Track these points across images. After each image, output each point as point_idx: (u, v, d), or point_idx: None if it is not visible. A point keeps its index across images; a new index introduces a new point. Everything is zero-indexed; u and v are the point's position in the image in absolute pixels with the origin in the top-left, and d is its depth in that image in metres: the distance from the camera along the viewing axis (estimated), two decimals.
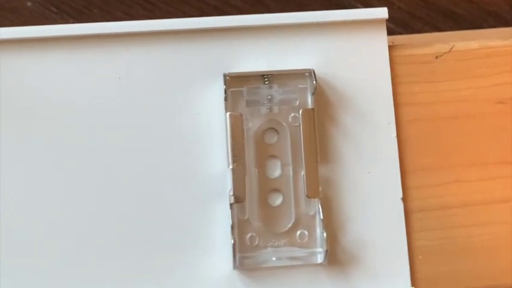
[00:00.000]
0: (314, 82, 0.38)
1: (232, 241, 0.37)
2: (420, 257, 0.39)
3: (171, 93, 0.39)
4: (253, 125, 0.39)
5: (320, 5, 0.56)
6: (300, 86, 0.39)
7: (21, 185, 0.38)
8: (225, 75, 0.38)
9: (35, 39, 0.39)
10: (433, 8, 0.55)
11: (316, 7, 0.54)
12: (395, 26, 0.52)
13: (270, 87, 0.38)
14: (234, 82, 0.39)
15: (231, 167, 0.38)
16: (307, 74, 0.39)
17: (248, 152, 0.38)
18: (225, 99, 0.38)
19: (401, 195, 0.39)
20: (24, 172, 0.38)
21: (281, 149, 0.39)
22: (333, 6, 0.55)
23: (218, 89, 0.39)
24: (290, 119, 0.39)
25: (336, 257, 0.38)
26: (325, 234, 0.37)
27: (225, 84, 0.38)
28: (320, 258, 0.38)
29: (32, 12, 0.52)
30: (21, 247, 0.38)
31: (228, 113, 0.38)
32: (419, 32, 0.51)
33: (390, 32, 0.42)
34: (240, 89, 0.39)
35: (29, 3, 0.51)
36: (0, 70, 0.39)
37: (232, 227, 0.37)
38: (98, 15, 0.52)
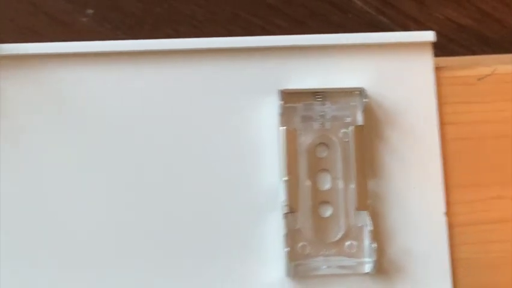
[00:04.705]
0: (365, 100, 0.40)
1: (287, 249, 0.39)
2: (461, 269, 0.41)
3: (225, 108, 0.41)
4: (306, 139, 0.41)
5: (358, 25, 0.58)
6: (351, 103, 0.41)
7: (71, 188, 0.40)
8: (281, 91, 0.40)
9: (90, 54, 0.41)
10: (468, 31, 0.57)
11: (354, 28, 0.56)
12: None
13: (323, 104, 0.40)
14: (288, 98, 0.41)
15: (285, 178, 0.40)
16: (357, 92, 0.41)
17: (300, 165, 0.40)
18: (280, 115, 0.40)
19: (444, 210, 0.41)
20: (75, 178, 0.40)
21: (332, 163, 0.41)
22: (370, 28, 0.57)
23: (270, 104, 0.41)
24: (341, 135, 0.41)
25: (382, 267, 0.40)
26: (374, 245, 0.39)
27: (281, 99, 0.40)
28: (367, 268, 0.40)
29: (86, 27, 0.54)
30: (68, 249, 0.40)
31: (283, 128, 0.40)
32: (453, 54, 0.53)
33: None
34: (294, 105, 0.41)
35: (84, 19, 0.54)
36: (58, 82, 0.41)
37: (286, 236, 0.39)
38: (149, 32, 0.54)
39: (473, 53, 0.58)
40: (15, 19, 0.53)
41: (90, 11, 0.54)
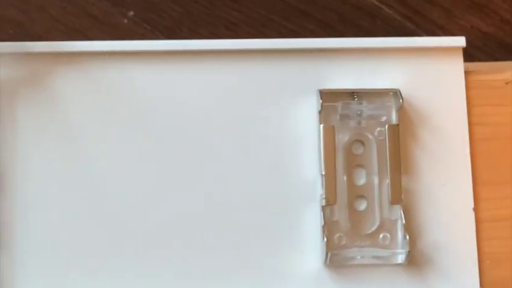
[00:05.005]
0: (401, 101, 0.43)
1: (325, 239, 0.41)
2: (488, 262, 0.43)
3: (268, 107, 0.43)
4: (343, 136, 0.43)
5: (386, 31, 0.60)
6: (386, 103, 0.43)
7: (120, 180, 0.43)
8: (320, 91, 0.43)
9: (138, 52, 0.44)
10: (491, 39, 0.60)
11: (382, 34, 0.58)
12: None
13: (360, 103, 0.43)
14: (327, 97, 0.43)
15: (323, 173, 0.42)
16: (392, 93, 0.43)
17: (338, 160, 0.43)
18: (319, 112, 0.43)
19: (472, 206, 0.43)
20: (134, 169, 0.43)
21: (367, 160, 0.43)
22: (398, 34, 0.59)
23: (309, 103, 0.44)
24: (376, 133, 0.43)
25: (413, 258, 0.42)
26: (408, 237, 0.41)
27: (321, 98, 0.43)
28: (400, 259, 0.42)
29: (127, 28, 0.57)
30: (122, 241, 0.42)
31: (322, 125, 0.42)
32: (476, 60, 0.56)
33: None
34: (332, 104, 0.43)
35: (125, 20, 0.56)
36: (107, 78, 0.43)
37: (323, 227, 0.42)
38: (186, 33, 0.57)
39: (495, 59, 0.60)
40: (61, 20, 0.55)
41: (131, 13, 0.56)
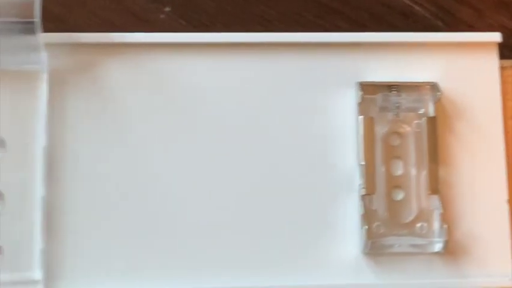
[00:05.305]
0: (438, 93, 0.44)
1: (365, 227, 0.42)
2: None
3: (307, 99, 0.45)
4: (381, 128, 0.44)
5: (416, 29, 0.61)
6: (424, 96, 0.44)
7: (168, 169, 0.44)
8: (360, 83, 0.44)
9: (189, 44, 0.45)
10: None
11: (409, 30, 0.59)
12: None
13: (399, 96, 0.44)
14: (366, 89, 0.44)
15: (362, 163, 0.43)
16: (429, 86, 0.44)
17: (376, 151, 0.44)
18: (359, 104, 0.44)
19: (506, 198, 0.44)
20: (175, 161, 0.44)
21: (404, 151, 0.44)
22: (427, 31, 0.60)
23: (347, 96, 0.45)
24: (414, 125, 0.44)
25: (449, 247, 0.43)
26: (445, 226, 0.42)
27: (361, 90, 0.44)
28: (437, 248, 0.43)
29: (163, 23, 0.58)
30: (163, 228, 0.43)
31: (361, 117, 0.44)
32: (503, 58, 0.57)
33: None
34: (371, 96, 0.44)
35: (162, 16, 0.57)
36: (150, 69, 0.44)
37: (363, 216, 0.43)
38: (220, 29, 0.58)
39: None
40: (99, 15, 0.57)
41: (168, 9, 0.57)
